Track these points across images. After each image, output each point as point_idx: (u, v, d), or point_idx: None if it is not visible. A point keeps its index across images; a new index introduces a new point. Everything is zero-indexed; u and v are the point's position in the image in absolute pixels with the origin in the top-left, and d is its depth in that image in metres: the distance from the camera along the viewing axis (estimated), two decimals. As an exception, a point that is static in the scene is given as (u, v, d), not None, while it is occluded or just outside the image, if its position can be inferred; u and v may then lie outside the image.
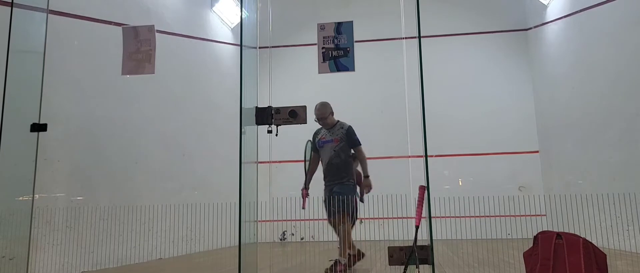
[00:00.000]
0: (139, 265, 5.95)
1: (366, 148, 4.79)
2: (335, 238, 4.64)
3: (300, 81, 8.77)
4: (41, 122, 3.12)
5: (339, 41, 3.21)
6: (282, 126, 3.04)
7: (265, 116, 3.03)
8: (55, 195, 5.33)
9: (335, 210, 4.55)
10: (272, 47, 9.26)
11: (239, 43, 3.16)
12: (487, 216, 5.66)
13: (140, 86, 6.58)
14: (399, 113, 7.26)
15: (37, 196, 4.40)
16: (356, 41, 3.21)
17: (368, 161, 4.78)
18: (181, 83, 7.65)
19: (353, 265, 4.59)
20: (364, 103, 9.08)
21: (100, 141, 6.08)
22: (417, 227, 3.07)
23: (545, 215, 7.18)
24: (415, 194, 3.10)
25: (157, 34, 3.64)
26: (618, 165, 6.45)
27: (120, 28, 3.81)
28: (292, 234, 9.01)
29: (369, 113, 8.95)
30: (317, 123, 4.81)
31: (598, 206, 3.98)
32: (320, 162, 4.92)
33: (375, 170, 4.53)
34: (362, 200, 4.75)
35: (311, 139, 4.99)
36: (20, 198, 3.22)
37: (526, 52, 9.33)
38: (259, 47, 3.60)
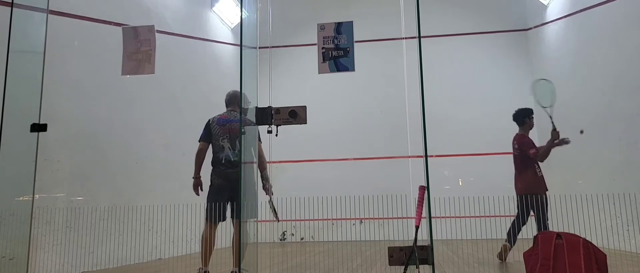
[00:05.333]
0: (139, 265, 5.95)
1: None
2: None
3: (300, 81, 8.77)
4: (41, 122, 3.12)
5: (339, 41, 3.21)
6: (282, 126, 3.04)
7: (265, 116, 3.02)
8: (55, 195, 5.33)
9: None
10: (272, 47, 9.26)
11: (239, 43, 3.16)
12: (487, 216, 5.65)
13: (140, 86, 6.57)
14: (399, 112, 7.27)
15: (37, 196, 4.39)
16: (356, 41, 3.21)
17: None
18: (181, 83, 7.65)
19: None
20: (363, 103, 9.08)
21: (101, 141, 6.08)
22: (417, 227, 3.07)
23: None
24: (415, 194, 3.09)
25: (157, 34, 3.64)
26: (618, 165, 6.44)
27: (120, 28, 3.80)
28: (292, 234, 9.01)
29: (369, 113, 8.94)
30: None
31: (598, 206, 3.97)
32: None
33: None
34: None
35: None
36: (20, 198, 3.21)
37: (526, 52, 9.33)
38: (259, 47, 3.60)
